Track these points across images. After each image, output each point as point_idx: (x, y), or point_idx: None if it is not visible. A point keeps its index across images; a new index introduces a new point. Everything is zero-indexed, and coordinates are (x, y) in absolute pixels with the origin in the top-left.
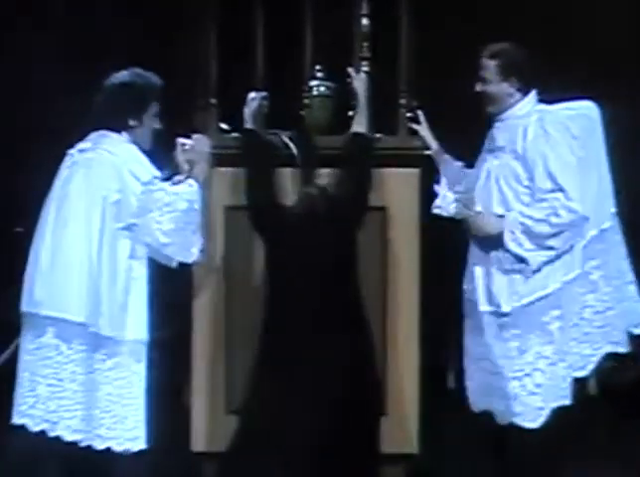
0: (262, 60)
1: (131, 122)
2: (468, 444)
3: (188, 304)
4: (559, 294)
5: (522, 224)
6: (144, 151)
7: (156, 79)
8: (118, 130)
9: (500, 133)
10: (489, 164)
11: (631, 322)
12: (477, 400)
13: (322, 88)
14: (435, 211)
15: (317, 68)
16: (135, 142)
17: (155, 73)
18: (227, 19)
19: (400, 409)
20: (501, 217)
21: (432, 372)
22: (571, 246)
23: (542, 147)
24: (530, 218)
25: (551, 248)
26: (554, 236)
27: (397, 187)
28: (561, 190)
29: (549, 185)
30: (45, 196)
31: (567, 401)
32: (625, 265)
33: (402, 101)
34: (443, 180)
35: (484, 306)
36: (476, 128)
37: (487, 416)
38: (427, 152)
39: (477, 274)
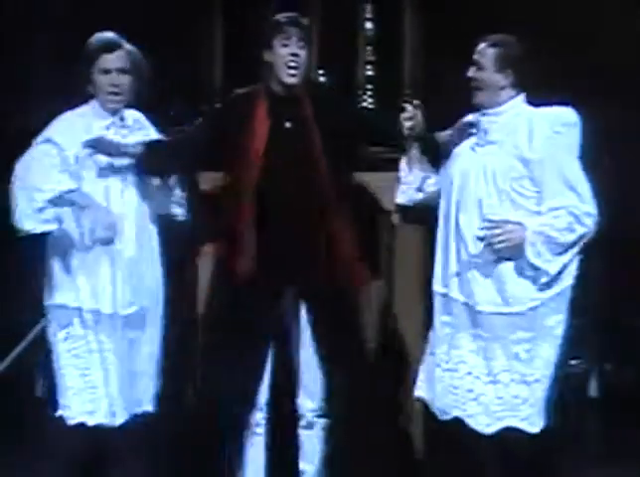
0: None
1: (89, 89)
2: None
3: None
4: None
5: (542, 233)
6: (113, 111)
7: (105, 36)
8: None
9: (494, 128)
10: (478, 158)
11: None
12: (448, 408)
13: None
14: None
15: (320, 72)
16: (101, 106)
17: (159, 76)
18: (230, 21)
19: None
20: (518, 224)
21: None
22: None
23: (555, 151)
24: (552, 227)
25: (566, 253)
26: (576, 243)
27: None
28: (578, 195)
29: (564, 190)
30: None
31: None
32: None
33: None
34: (417, 166)
35: (486, 307)
36: None
37: (458, 424)
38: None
39: (474, 274)
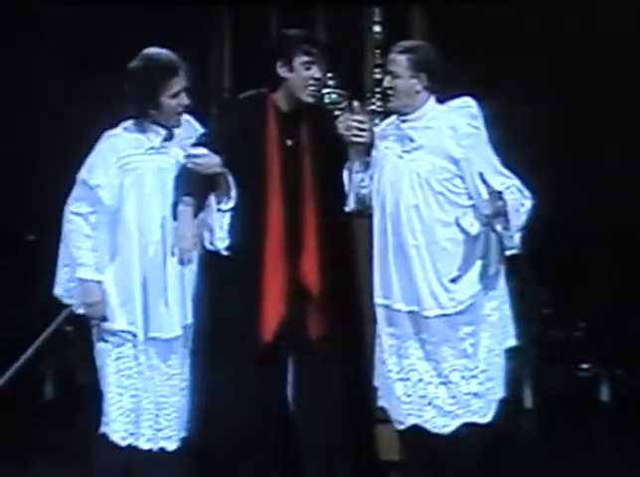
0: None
1: (150, 111)
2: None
3: None
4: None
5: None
6: (170, 129)
7: (168, 57)
8: (139, 118)
9: (417, 133)
10: (409, 164)
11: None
12: (404, 417)
13: (334, 96)
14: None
15: (329, 75)
16: (158, 124)
17: None
18: (239, 21)
19: None
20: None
21: None
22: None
23: (477, 145)
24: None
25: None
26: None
27: None
28: (508, 176)
29: (501, 180)
30: (55, 203)
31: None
32: None
33: None
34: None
35: (432, 311)
36: None
37: (416, 430)
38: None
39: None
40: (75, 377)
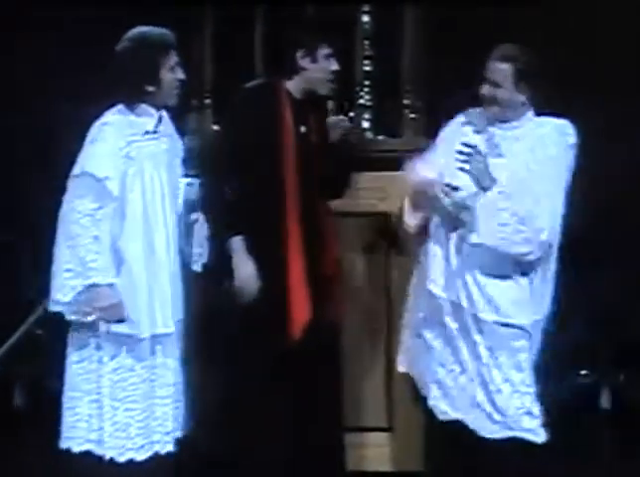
0: (260, 58)
1: (149, 88)
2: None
3: None
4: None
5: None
6: (169, 107)
7: (160, 31)
8: (132, 100)
9: (505, 144)
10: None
11: None
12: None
13: None
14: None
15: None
16: (155, 105)
17: None
18: (222, 17)
19: (405, 425)
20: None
21: None
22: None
23: (548, 171)
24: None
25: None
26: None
27: (400, 192)
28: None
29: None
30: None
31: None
32: None
33: (407, 102)
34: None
35: (488, 315)
36: None
37: (459, 426)
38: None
39: (479, 280)
40: (46, 383)
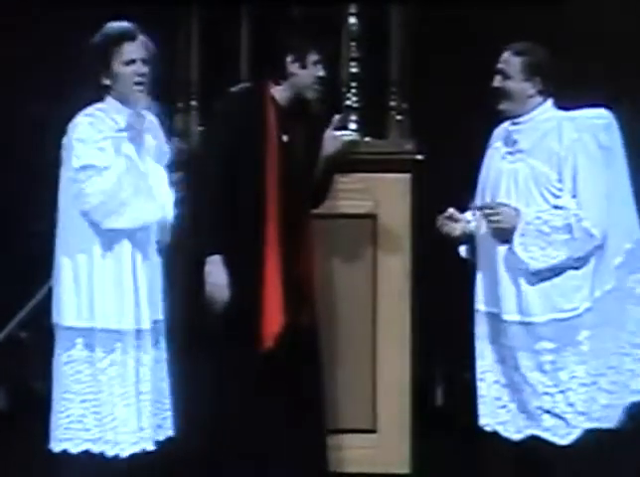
0: (246, 60)
1: (105, 81)
2: (463, 463)
3: None
4: (591, 313)
5: (533, 225)
6: (128, 102)
7: (119, 25)
8: (97, 99)
9: (522, 136)
10: (509, 166)
11: None
12: (490, 416)
13: None
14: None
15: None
16: (119, 99)
17: None
18: (208, 20)
19: (390, 427)
20: (515, 210)
21: (418, 389)
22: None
23: (577, 154)
24: (547, 223)
25: (552, 258)
26: (570, 249)
27: (387, 194)
28: (579, 204)
29: (570, 193)
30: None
31: (609, 424)
32: None
33: (393, 104)
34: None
35: (512, 315)
36: (466, 129)
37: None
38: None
39: (502, 282)
40: (30, 386)
